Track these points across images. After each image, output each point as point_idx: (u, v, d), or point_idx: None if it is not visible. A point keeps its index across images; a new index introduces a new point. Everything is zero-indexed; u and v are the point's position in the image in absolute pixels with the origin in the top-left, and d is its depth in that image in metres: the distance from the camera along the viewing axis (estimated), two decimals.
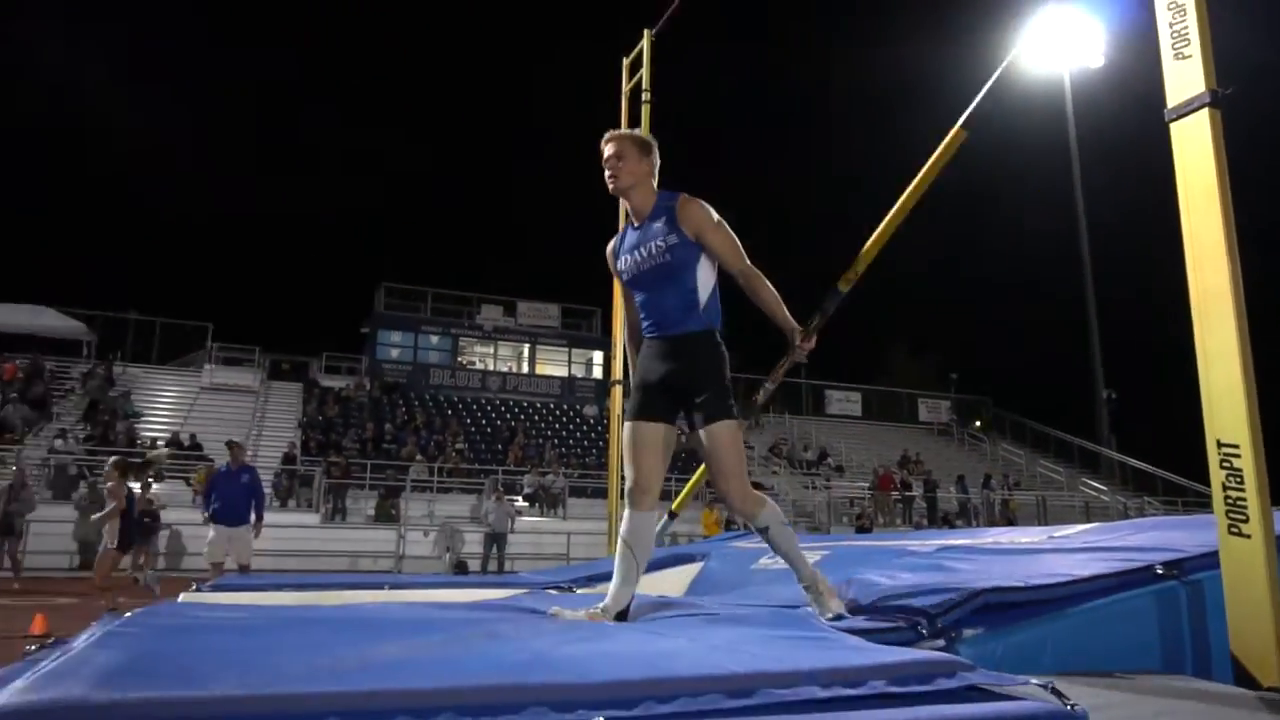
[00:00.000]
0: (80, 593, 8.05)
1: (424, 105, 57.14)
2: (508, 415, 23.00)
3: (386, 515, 16.20)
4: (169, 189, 51.49)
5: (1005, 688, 1.65)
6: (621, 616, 2.65)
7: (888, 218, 4.06)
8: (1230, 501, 2.32)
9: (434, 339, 25.12)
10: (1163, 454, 22.35)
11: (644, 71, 7.21)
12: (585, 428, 23.24)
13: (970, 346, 41.50)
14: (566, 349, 26.59)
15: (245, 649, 1.85)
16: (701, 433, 2.63)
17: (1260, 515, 2.26)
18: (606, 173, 2.81)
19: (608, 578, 2.78)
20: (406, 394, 22.80)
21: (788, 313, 2.78)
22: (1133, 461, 23.67)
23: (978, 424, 29.55)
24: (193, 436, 17.54)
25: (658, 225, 2.74)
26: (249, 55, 49.88)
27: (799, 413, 27.49)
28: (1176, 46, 2.56)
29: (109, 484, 7.92)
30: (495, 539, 14.90)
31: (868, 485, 20.91)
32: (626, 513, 2.74)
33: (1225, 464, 2.34)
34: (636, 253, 2.78)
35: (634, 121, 7.07)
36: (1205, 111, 2.46)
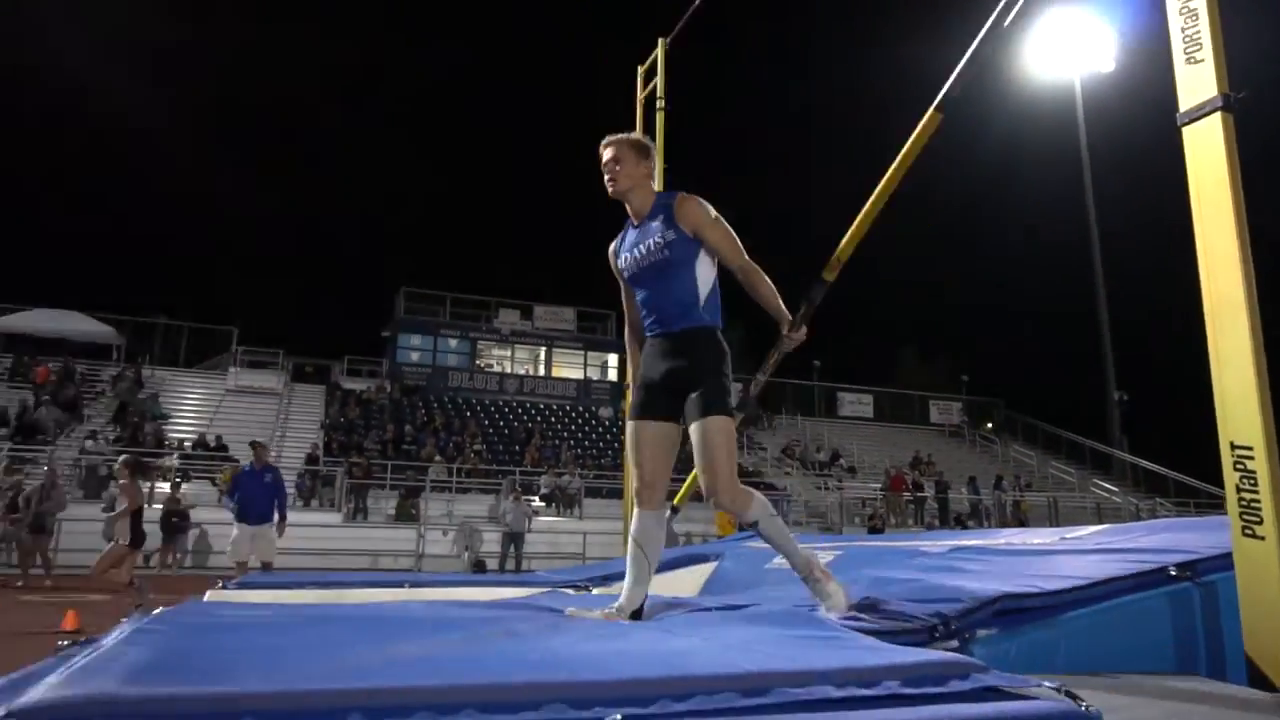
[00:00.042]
0: (110, 590, 8.18)
1: (443, 115, 57.67)
2: (525, 417, 23.10)
3: (407, 515, 16.33)
4: (199, 198, 52.45)
5: (1019, 689, 1.64)
6: (636, 615, 2.68)
7: (867, 205, 4.07)
8: (1244, 504, 2.32)
9: (453, 342, 25.31)
10: (1174, 455, 22.14)
11: (659, 79, 7.25)
12: (601, 429, 23.28)
13: (982, 348, 41.08)
14: (582, 352, 26.73)
15: (270, 646, 1.89)
16: (694, 425, 2.62)
17: (1274, 517, 2.25)
18: (606, 177, 2.85)
19: (623, 577, 2.80)
20: (426, 396, 22.97)
21: (784, 306, 2.81)
22: (1144, 463, 23.44)
23: (989, 425, 29.32)
24: (218, 437, 17.76)
25: (656, 223, 2.77)
26: (280, 66, 50.52)
27: (811, 414, 27.56)
28: (1189, 51, 2.55)
29: (120, 482, 8.07)
30: (513, 538, 14.99)
31: (880, 486, 20.82)
32: (636, 512, 2.77)
33: (1239, 466, 2.34)
34: (636, 250, 2.81)
35: (649, 128, 7.10)
36: (1217, 115, 2.45)
